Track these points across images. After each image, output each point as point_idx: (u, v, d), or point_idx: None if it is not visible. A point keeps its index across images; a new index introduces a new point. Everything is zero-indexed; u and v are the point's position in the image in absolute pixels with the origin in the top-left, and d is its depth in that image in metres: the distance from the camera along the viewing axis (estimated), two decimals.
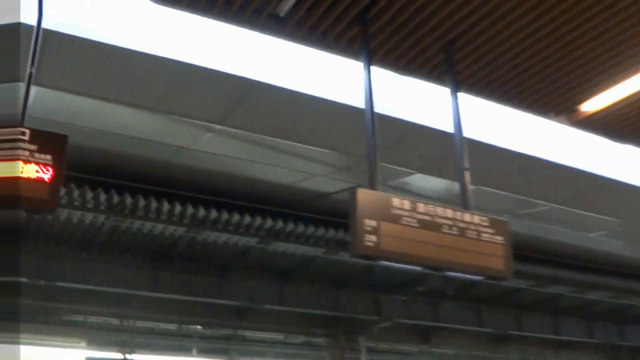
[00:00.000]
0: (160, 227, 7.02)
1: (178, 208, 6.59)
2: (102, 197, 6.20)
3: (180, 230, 7.15)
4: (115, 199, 6.27)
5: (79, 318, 8.94)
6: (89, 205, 6.32)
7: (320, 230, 7.54)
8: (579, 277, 9.75)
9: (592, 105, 5.08)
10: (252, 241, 7.70)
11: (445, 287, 9.28)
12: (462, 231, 3.84)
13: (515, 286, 9.96)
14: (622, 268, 9.89)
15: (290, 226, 7.31)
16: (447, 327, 11.24)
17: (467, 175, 4.18)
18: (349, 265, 9.04)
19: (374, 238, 3.52)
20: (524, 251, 8.40)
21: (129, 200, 6.32)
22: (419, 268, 3.78)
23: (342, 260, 8.62)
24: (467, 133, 4.40)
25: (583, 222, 7.45)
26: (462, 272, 3.88)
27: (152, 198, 6.37)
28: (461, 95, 4.44)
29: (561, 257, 9.14)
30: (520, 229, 7.26)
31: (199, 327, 10.87)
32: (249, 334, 11.58)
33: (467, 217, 3.92)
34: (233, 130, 4.83)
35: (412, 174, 5.79)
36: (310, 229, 7.49)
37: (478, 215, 3.92)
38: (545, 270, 9.17)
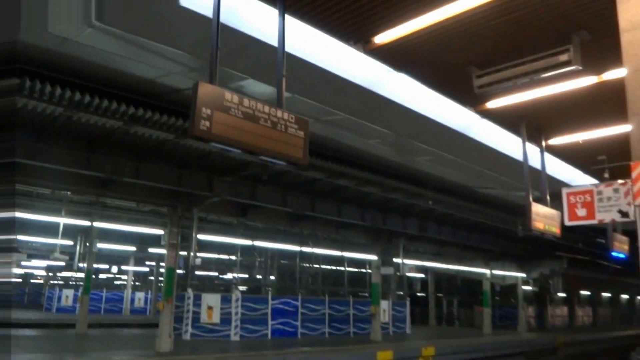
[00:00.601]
0: (42, 105, 7.45)
1: (58, 91, 6.99)
2: None
3: (59, 110, 7.67)
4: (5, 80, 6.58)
5: None
6: None
7: (172, 119, 8.33)
8: (359, 174, 11.63)
9: (381, 38, 6.39)
10: (117, 124, 8.36)
11: (262, 174, 10.64)
12: (274, 124, 4.64)
13: (312, 177, 11.83)
14: (390, 169, 11.91)
15: (149, 114, 8.01)
16: (260, 206, 12.99)
17: (284, 80, 5.18)
18: (191, 150, 10.08)
19: (207, 124, 4.12)
20: (321, 149, 9.95)
21: (15, 80, 6.62)
22: (238, 151, 4.48)
23: (187, 146, 9.65)
24: (288, 49, 5.38)
25: (365, 130, 8.80)
26: (272, 157, 4.64)
27: (37, 80, 6.75)
28: (288, 18, 5.34)
29: (347, 157, 10.77)
30: (320, 132, 8.58)
31: (68, 193, 12.22)
32: (108, 201, 13.03)
33: (279, 113, 4.76)
34: (109, 27, 5.33)
35: (247, 79, 6.63)
36: (164, 118, 8.26)
37: (287, 112, 4.80)
38: (335, 166, 10.79)
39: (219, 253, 22.47)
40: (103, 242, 18.33)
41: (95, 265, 19.30)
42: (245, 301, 16.13)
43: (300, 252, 19.34)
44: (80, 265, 17.89)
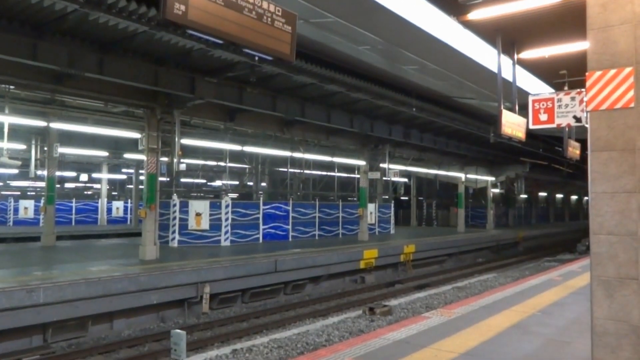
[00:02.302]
0: None
1: None
2: None
3: None
4: None
5: None
6: None
7: (143, 8, 7.56)
8: (348, 80, 11.82)
9: None
10: (71, 6, 7.29)
11: (250, 76, 10.24)
12: (260, 16, 4.17)
13: (302, 82, 11.83)
14: (378, 77, 12.12)
15: None
16: (248, 110, 12.69)
17: None
18: (170, 46, 9.25)
19: (183, 8, 3.59)
20: (311, 52, 9.95)
21: None
22: (219, 41, 4.07)
23: (164, 40, 8.89)
24: None
25: (355, 36, 8.80)
26: (257, 50, 4.27)
27: None
28: None
29: (337, 62, 10.83)
30: (310, 34, 8.61)
31: (12, 87, 10.00)
32: (68, 99, 11.31)
33: (265, 4, 4.28)
34: None
35: None
36: (133, 5, 7.45)
37: (274, 4, 4.40)
38: (325, 71, 10.97)
39: (206, 159, 21.17)
40: (67, 147, 16.31)
41: (59, 173, 16.93)
42: (236, 207, 16.16)
43: (291, 157, 19.29)
44: (39, 173, 15.58)
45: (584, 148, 11.21)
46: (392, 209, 24.12)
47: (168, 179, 17.30)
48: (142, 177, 17.54)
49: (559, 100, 7.07)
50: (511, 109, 9.19)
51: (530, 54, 9.13)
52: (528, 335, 5.59)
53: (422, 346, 5.09)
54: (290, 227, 18.26)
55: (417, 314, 9.00)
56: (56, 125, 12.71)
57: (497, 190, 31.06)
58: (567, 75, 8.24)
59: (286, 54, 4.52)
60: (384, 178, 22.34)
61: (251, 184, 24.60)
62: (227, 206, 15.90)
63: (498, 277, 15.34)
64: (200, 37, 4.05)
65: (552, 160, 25.87)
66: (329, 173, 24.87)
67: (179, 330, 5.69)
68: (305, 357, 4.85)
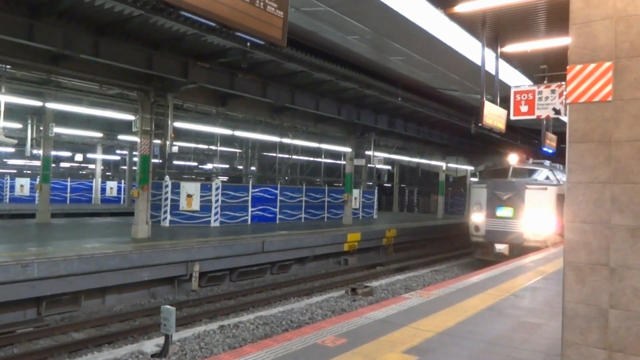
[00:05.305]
0: None
1: None
2: None
3: None
4: None
5: None
6: None
7: None
8: (337, 69, 11.73)
9: None
10: None
11: (242, 62, 10.16)
12: (252, 0, 4.10)
13: (292, 69, 11.72)
14: (366, 66, 11.96)
15: None
16: (240, 95, 12.60)
17: None
18: (164, 30, 9.15)
19: None
20: (301, 40, 9.81)
21: None
22: (212, 24, 3.92)
23: (158, 24, 8.79)
24: None
25: (345, 26, 8.70)
26: (249, 34, 4.10)
27: None
28: None
29: (327, 51, 10.68)
30: (301, 22, 8.47)
31: (8, 67, 9.92)
32: (64, 80, 11.19)
33: None
34: None
35: None
36: None
37: None
38: (314, 59, 10.86)
39: (197, 143, 21.14)
40: (62, 127, 16.19)
41: (54, 152, 16.93)
42: (226, 189, 16.14)
43: (280, 143, 19.27)
44: (35, 152, 15.39)
45: (560, 140, 11.37)
46: (376, 195, 24.21)
47: (161, 161, 17.22)
48: (135, 159, 17.32)
49: (540, 92, 7.09)
50: (493, 101, 9.20)
51: (513, 48, 9.13)
52: (502, 316, 5.65)
53: (402, 325, 5.11)
54: (277, 209, 18.25)
55: (397, 295, 9.07)
56: (52, 106, 12.54)
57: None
58: (547, 69, 8.26)
59: (278, 39, 4.30)
60: (369, 165, 22.36)
61: (241, 167, 24.57)
62: (217, 188, 15.87)
63: (474, 261, 15.53)
64: (193, 19, 3.93)
65: (529, 152, 26.18)
66: (316, 159, 24.84)
67: (168, 306, 5.65)
68: (289, 334, 4.84)
